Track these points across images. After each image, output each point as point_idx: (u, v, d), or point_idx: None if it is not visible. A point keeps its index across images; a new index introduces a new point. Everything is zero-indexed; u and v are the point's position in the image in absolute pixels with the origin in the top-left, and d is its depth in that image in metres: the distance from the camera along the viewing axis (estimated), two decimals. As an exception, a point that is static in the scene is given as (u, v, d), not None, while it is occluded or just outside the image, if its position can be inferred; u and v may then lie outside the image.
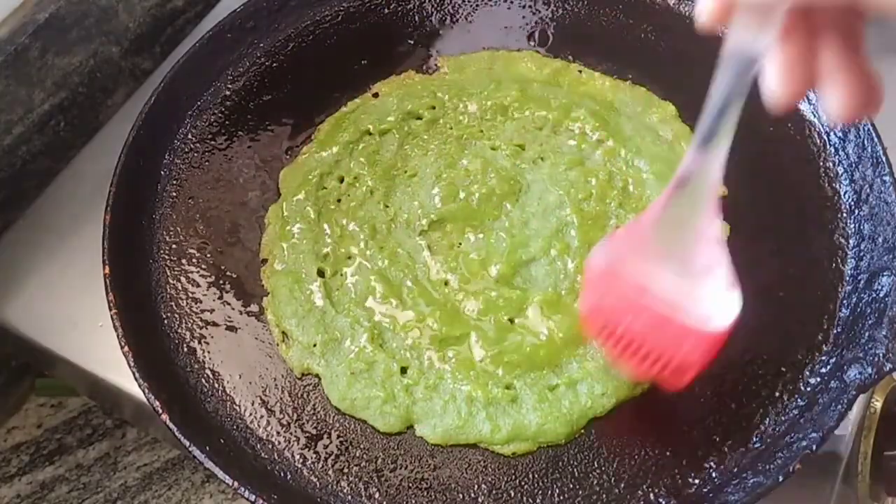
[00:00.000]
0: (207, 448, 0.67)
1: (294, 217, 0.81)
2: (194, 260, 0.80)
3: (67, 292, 0.88)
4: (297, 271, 0.79)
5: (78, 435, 1.01)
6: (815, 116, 0.81)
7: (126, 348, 0.71)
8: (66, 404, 1.03)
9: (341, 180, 0.84)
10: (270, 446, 0.71)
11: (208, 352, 0.75)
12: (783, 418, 0.68)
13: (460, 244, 0.80)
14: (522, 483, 0.68)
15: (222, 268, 0.80)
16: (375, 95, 0.90)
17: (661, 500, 0.66)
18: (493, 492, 0.68)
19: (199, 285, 0.79)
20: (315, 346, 0.75)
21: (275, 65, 0.92)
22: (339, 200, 0.83)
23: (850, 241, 0.75)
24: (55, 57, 0.94)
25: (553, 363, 0.72)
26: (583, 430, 0.70)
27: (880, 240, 0.72)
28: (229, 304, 0.78)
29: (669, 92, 0.86)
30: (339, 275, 0.78)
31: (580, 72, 0.89)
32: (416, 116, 0.87)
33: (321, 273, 0.79)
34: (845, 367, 0.67)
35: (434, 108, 0.87)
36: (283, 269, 0.79)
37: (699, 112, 0.84)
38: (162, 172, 0.85)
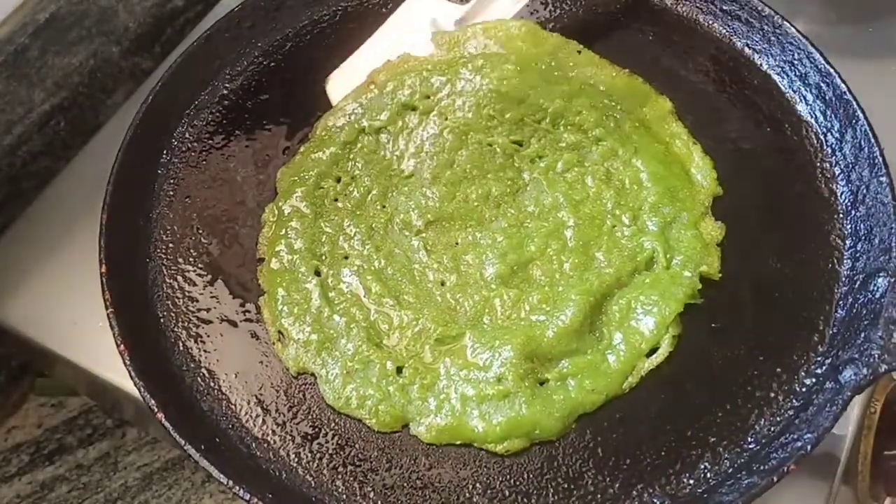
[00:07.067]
0: (203, 447, 0.68)
1: (291, 217, 0.82)
2: (191, 259, 0.80)
3: (67, 292, 0.88)
4: (293, 271, 0.79)
5: (78, 435, 1.01)
6: (812, 117, 0.81)
7: (122, 347, 0.71)
8: (66, 404, 1.03)
9: (338, 180, 0.84)
10: (266, 445, 0.71)
11: (204, 350, 0.75)
12: (778, 419, 0.68)
13: (457, 244, 0.80)
14: (517, 483, 0.68)
15: (219, 267, 0.80)
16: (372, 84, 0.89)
17: (655, 500, 0.66)
18: (488, 491, 0.68)
19: (195, 284, 0.79)
20: (311, 345, 0.75)
21: (273, 64, 0.92)
22: (335, 200, 0.83)
23: (847, 242, 0.75)
24: (55, 57, 0.95)
25: (545, 359, 0.72)
26: (578, 430, 0.70)
27: (876, 241, 0.72)
28: (226, 303, 0.78)
29: (666, 93, 0.86)
30: (335, 274, 0.79)
31: (579, 52, 0.89)
32: (411, 108, 0.86)
33: (318, 272, 0.79)
34: (841, 368, 0.67)
35: (429, 97, 0.86)
36: (279, 269, 0.79)
37: (694, 113, 0.85)
38: (159, 171, 0.85)
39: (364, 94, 0.88)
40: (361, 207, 0.82)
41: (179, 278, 0.79)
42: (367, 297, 0.77)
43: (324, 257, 0.80)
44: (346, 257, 0.80)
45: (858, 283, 0.72)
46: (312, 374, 0.74)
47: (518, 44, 0.89)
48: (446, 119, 0.85)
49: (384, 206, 0.82)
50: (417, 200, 0.82)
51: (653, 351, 0.72)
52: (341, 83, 0.90)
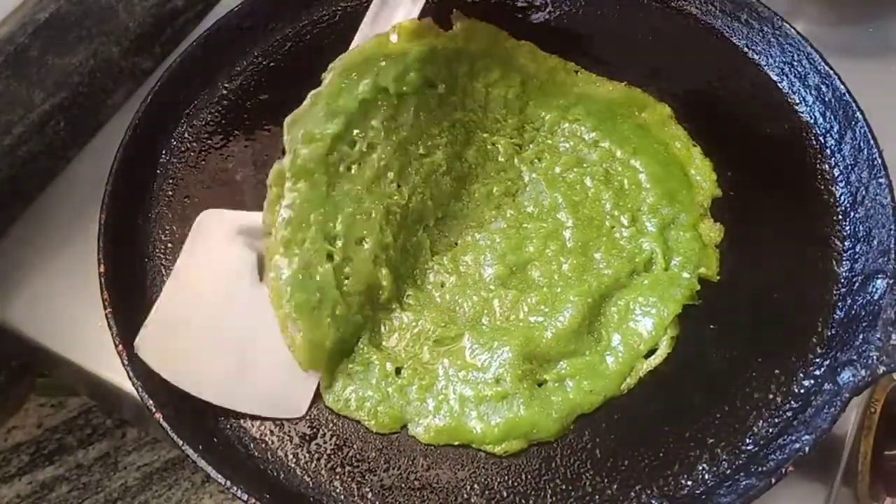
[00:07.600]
0: (201, 447, 0.68)
1: (301, 185, 0.76)
2: (190, 259, 0.80)
3: (67, 292, 0.88)
4: (304, 256, 0.74)
5: (78, 435, 1.01)
6: (811, 119, 0.81)
7: (120, 346, 0.71)
8: (66, 404, 1.03)
9: (353, 144, 0.78)
10: (264, 445, 0.71)
11: (203, 351, 0.75)
12: (776, 420, 0.67)
13: (456, 244, 0.80)
14: (515, 484, 0.68)
15: (218, 267, 0.80)
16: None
17: (653, 501, 0.66)
18: (486, 492, 0.68)
19: (194, 284, 0.79)
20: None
21: (272, 64, 0.92)
22: (349, 168, 0.77)
23: (846, 244, 0.75)
24: (55, 57, 0.95)
25: (543, 360, 0.72)
26: (576, 431, 0.70)
27: (875, 242, 0.72)
28: (224, 303, 0.78)
29: (665, 94, 0.86)
30: (349, 261, 0.75)
31: (577, 72, 0.89)
32: (431, 84, 0.81)
33: (330, 257, 0.74)
34: (839, 370, 0.66)
35: (448, 83, 0.82)
36: (287, 251, 0.74)
37: (693, 114, 0.85)
38: (158, 171, 0.85)
39: (386, 47, 0.80)
40: (377, 183, 0.78)
41: (178, 278, 0.79)
42: (374, 297, 0.76)
43: (337, 239, 0.75)
44: (362, 241, 0.75)
45: (857, 284, 0.72)
46: (311, 376, 0.74)
47: (521, 60, 0.88)
48: (457, 110, 0.83)
49: (400, 187, 0.79)
50: (433, 190, 0.80)
51: (651, 352, 0.73)
52: (153, 344, 0.72)
